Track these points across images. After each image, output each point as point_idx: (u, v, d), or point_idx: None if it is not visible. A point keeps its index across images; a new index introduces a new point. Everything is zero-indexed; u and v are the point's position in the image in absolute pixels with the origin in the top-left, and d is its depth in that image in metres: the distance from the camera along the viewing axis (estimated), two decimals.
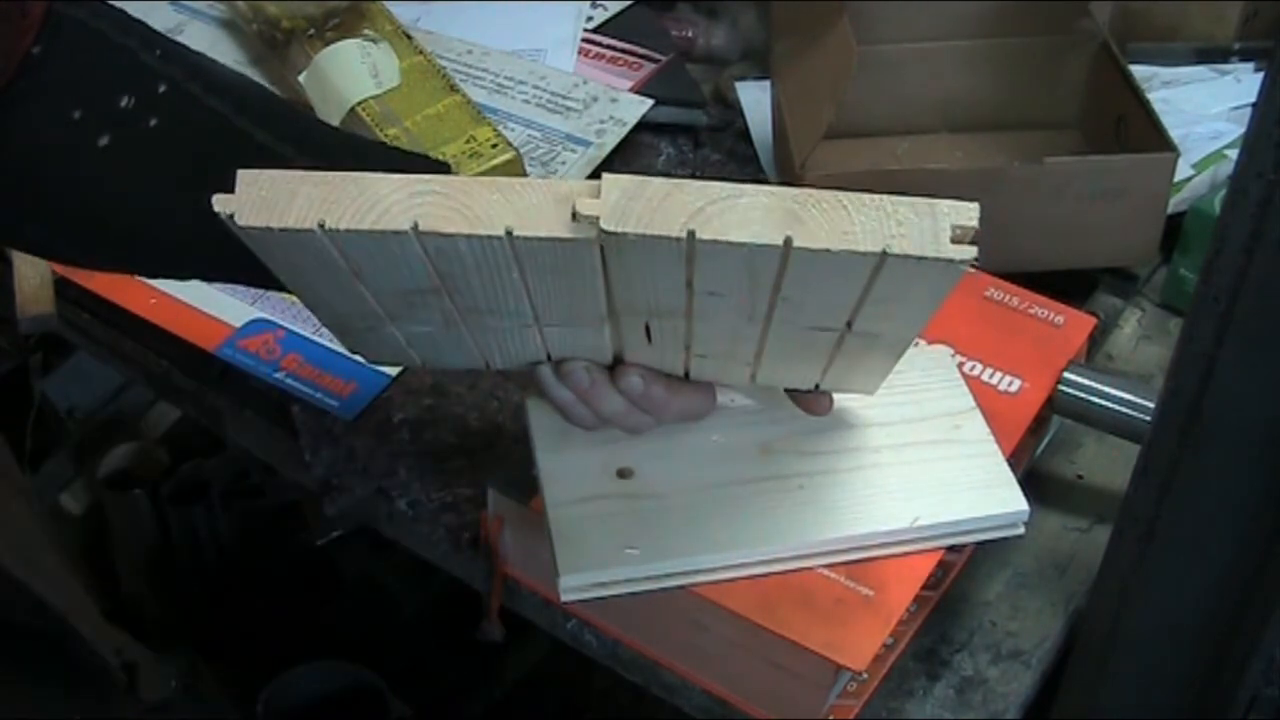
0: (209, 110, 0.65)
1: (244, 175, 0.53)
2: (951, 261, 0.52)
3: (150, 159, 0.64)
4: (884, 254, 0.52)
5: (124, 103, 0.63)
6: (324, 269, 0.56)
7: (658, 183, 0.52)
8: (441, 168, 0.79)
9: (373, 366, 0.85)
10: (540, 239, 0.53)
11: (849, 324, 0.59)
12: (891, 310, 0.58)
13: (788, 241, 0.51)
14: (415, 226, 0.52)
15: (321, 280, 0.58)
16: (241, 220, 0.53)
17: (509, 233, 0.52)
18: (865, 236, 0.52)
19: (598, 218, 0.52)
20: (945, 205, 0.52)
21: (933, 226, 0.52)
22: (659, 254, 0.53)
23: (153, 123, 0.64)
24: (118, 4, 0.66)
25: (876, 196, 0.52)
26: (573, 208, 0.52)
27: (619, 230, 0.52)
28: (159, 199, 0.64)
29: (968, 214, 0.52)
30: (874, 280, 0.54)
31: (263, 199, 0.53)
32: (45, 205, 0.65)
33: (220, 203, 0.53)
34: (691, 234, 0.51)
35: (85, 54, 0.63)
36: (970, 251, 0.52)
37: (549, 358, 0.66)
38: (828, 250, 0.52)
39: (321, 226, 0.52)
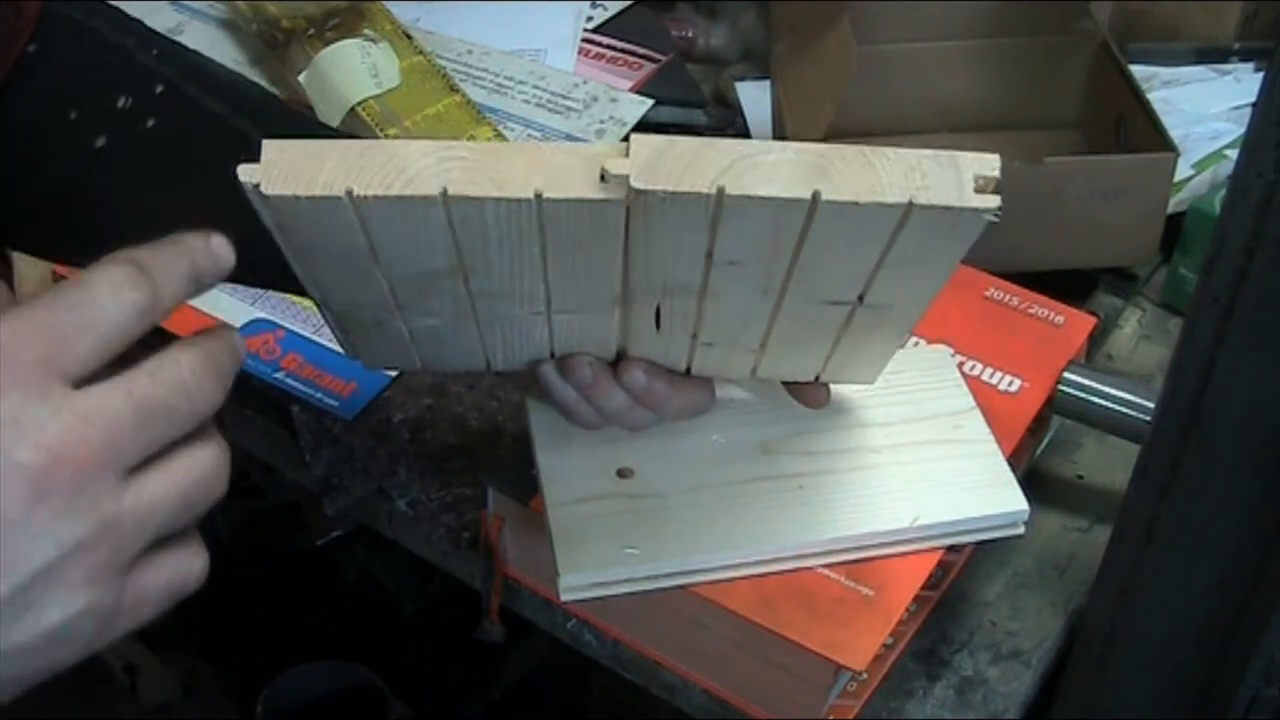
0: (206, 111, 0.65)
1: (270, 144, 0.52)
2: (976, 211, 0.52)
3: (147, 160, 0.64)
4: (910, 204, 0.52)
5: (121, 103, 0.63)
6: (342, 249, 0.55)
7: (686, 141, 0.52)
8: None
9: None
10: (569, 200, 0.52)
11: (861, 297, 0.60)
12: (907, 275, 0.58)
13: (815, 195, 0.52)
14: (444, 191, 0.52)
15: (336, 264, 0.58)
16: (268, 189, 0.52)
17: (538, 195, 0.52)
18: (891, 189, 0.52)
19: (627, 176, 0.51)
20: (967, 157, 0.53)
21: (956, 178, 0.52)
22: (686, 214, 0.53)
23: (150, 123, 0.63)
24: (117, 3, 0.66)
25: (900, 150, 0.53)
26: (602, 168, 0.52)
27: (649, 188, 0.52)
28: (156, 200, 0.64)
29: (989, 165, 0.53)
30: (895, 237, 0.54)
31: (290, 167, 0.52)
32: (42, 206, 0.65)
33: (245, 172, 0.52)
34: (721, 190, 0.52)
35: (81, 54, 0.63)
36: (994, 201, 0.52)
37: (552, 354, 0.66)
38: (855, 203, 0.52)
39: (349, 194, 0.52)
